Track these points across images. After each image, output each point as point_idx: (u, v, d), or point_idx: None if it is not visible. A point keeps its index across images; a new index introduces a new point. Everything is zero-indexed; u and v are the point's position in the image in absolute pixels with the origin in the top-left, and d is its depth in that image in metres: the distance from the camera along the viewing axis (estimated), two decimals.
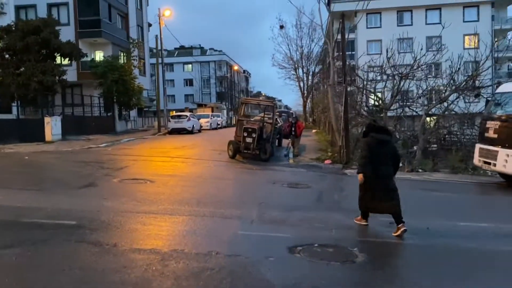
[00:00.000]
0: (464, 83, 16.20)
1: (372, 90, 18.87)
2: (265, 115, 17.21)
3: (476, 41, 21.40)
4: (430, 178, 14.02)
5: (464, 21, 47.01)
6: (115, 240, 5.59)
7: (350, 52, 36.82)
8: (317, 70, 47.61)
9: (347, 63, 21.37)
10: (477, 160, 13.76)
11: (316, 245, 5.73)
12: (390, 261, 5.37)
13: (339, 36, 17.07)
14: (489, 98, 14.96)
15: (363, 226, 6.85)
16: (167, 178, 11.08)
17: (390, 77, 18.76)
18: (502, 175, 13.53)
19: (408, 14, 50.43)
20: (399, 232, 6.33)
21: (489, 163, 12.95)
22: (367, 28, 47.18)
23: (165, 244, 5.57)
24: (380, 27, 50.00)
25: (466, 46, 44.60)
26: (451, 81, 17.02)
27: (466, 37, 46.39)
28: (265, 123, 17.00)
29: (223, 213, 7.49)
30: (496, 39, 45.08)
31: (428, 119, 23.96)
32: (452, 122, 18.14)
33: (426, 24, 48.13)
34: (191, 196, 8.88)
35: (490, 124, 13.42)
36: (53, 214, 6.93)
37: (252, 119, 17.68)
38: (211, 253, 5.16)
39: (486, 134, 13.55)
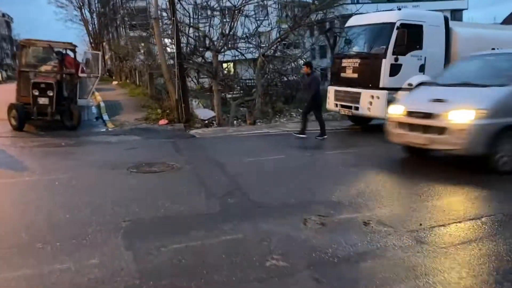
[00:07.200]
0: (306, 18, 14.31)
1: (197, 27, 15.42)
2: (65, 64, 11.92)
3: None
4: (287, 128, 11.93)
5: None
6: None
7: None
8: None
9: None
10: (332, 104, 12.18)
11: None
12: None
13: None
14: (338, 34, 13.47)
15: None
16: None
17: (217, 12, 15.66)
18: (353, 118, 12.40)
19: None
20: None
21: (350, 107, 11.47)
22: None
23: None
24: None
25: None
26: (287, 17, 15.05)
27: None
28: (65, 75, 11.85)
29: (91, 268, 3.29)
30: None
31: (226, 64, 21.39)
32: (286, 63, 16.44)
33: None
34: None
35: (347, 62, 11.83)
36: None
37: (43, 70, 12.15)
38: None
39: (342, 75, 11.96)
